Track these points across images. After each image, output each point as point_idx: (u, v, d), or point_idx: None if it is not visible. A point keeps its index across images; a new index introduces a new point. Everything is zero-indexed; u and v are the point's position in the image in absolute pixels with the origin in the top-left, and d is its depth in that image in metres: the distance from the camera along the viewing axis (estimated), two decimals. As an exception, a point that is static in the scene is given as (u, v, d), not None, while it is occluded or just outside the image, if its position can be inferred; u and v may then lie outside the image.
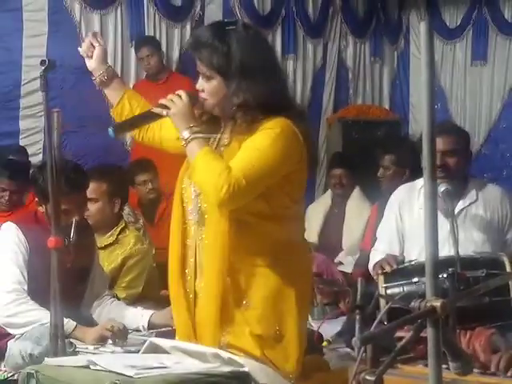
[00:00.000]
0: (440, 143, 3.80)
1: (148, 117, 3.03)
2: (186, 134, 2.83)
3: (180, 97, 2.88)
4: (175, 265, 3.03)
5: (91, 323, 3.84)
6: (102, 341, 3.58)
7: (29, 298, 3.65)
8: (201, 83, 2.91)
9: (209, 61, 2.84)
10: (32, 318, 3.57)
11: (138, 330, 3.90)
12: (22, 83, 6.80)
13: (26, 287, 3.66)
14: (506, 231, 4.05)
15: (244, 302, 2.89)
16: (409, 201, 4.09)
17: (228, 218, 2.85)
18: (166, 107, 2.88)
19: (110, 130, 2.99)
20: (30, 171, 3.89)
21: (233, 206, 2.80)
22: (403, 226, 4.10)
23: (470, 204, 3.97)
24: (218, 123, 2.99)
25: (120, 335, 3.59)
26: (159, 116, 2.94)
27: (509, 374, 2.57)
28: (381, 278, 3.70)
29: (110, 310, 3.98)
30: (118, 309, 4.00)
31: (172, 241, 3.06)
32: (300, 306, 2.94)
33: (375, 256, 4.09)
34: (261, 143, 2.80)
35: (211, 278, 2.91)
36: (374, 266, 3.93)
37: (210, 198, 2.83)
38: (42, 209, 3.75)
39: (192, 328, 2.98)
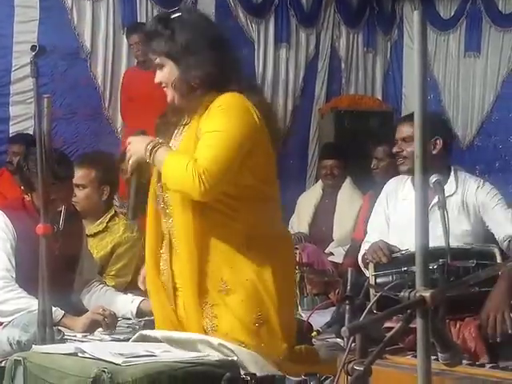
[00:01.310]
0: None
1: (137, 187, 3.05)
2: (148, 148, 2.88)
3: (131, 141, 2.99)
4: (151, 257, 3.07)
5: (81, 310, 3.83)
6: (92, 327, 3.57)
7: (17, 285, 3.63)
8: (157, 76, 2.99)
9: (157, 47, 2.93)
10: (20, 306, 3.56)
11: (127, 318, 3.88)
12: (13, 69, 6.76)
13: (14, 274, 3.65)
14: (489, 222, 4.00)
15: (223, 287, 2.92)
16: (395, 193, 4.11)
17: (192, 205, 2.87)
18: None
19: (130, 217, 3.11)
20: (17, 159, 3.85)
21: (213, 193, 2.82)
22: (390, 218, 4.11)
23: (448, 196, 3.96)
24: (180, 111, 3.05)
25: (111, 320, 3.59)
26: (136, 167, 3.00)
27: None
28: (371, 266, 3.70)
29: (99, 296, 3.97)
30: (108, 295, 3.99)
31: (148, 233, 3.11)
32: (281, 290, 2.97)
33: (365, 248, 4.09)
34: (216, 125, 2.84)
35: (185, 265, 2.94)
36: (364, 255, 3.94)
37: (190, 195, 2.84)
38: (27, 197, 3.73)
39: (176, 320, 3.00)
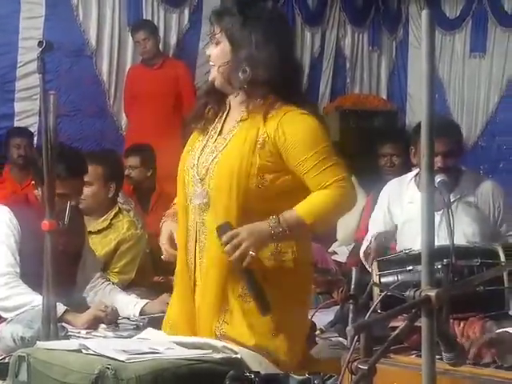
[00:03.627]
0: (440, 145, 3.81)
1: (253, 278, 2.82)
2: (274, 231, 2.77)
3: (236, 234, 2.77)
4: (182, 249, 3.00)
5: (85, 307, 3.82)
6: (94, 323, 3.57)
7: (21, 281, 3.63)
8: (210, 49, 2.96)
9: (223, 24, 2.89)
10: (24, 301, 3.56)
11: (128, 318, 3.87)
12: (18, 65, 6.77)
13: (18, 270, 3.65)
14: (498, 224, 4.05)
15: (241, 293, 2.86)
16: (399, 195, 4.11)
17: (234, 208, 2.84)
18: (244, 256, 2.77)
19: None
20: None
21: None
22: (391, 221, 4.12)
23: (461, 197, 3.97)
24: (223, 104, 3.00)
25: (112, 316, 3.59)
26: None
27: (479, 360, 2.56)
28: (375, 266, 3.71)
29: (103, 296, 3.97)
30: (112, 295, 3.98)
31: (180, 225, 3.02)
32: (299, 299, 2.94)
33: (365, 245, 4.13)
34: (316, 144, 2.85)
35: (212, 264, 2.89)
36: (366, 250, 3.98)
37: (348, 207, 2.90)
38: (37, 192, 3.73)
39: (192, 316, 2.98)
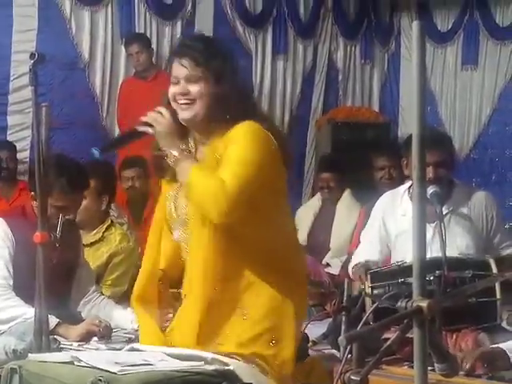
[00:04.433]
0: (431, 155, 3.81)
1: (133, 135, 3.01)
2: (175, 152, 2.84)
3: (161, 114, 2.89)
4: (153, 269, 3.05)
5: (79, 320, 3.80)
6: (87, 337, 3.55)
7: (13, 293, 3.62)
8: (183, 86, 2.88)
9: (203, 59, 2.85)
10: (16, 314, 3.55)
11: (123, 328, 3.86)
12: (11, 79, 6.78)
13: (11, 282, 3.64)
14: (491, 235, 4.05)
15: (240, 313, 2.85)
16: (392, 208, 4.11)
17: (211, 226, 2.82)
18: (150, 125, 2.89)
19: (95, 151, 2.97)
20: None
21: (233, 217, 2.78)
22: (386, 234, 4.12)
23: (453, 209, 3.98)
24: (184, 135, 2.99)
25: (106, 331, 3.58)
26: (144, 134, 2.93)
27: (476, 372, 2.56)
28: (367, 278, 3.71)
29: (99, 310, 3.95)
30: (108, 309, 3.96)
31: (151, 244, 3.08)
32: (298, 314, 2.91)
33: (355, 259, 4.13)
34: (239, 152, 2.80)
35: (196, 286, 2.88)
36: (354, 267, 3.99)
37: (211, 214, 2.79)
38: (35, 204, 3.70)
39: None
